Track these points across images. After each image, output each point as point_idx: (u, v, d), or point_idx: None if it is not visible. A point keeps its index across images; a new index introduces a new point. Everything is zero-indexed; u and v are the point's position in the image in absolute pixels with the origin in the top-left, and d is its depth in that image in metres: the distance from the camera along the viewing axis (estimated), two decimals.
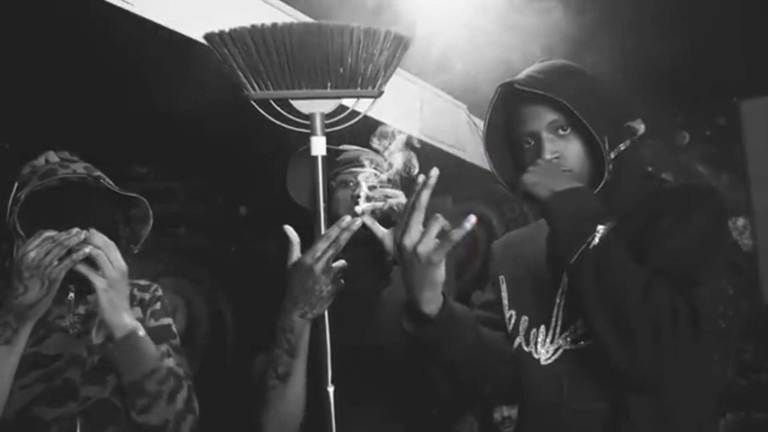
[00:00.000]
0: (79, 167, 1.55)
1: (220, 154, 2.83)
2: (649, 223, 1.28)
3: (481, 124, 2.90)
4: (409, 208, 1.20)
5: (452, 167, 3.13)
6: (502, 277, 1.50)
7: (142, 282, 1.66)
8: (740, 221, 3.36)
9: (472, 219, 1.16)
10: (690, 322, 1.15)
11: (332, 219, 1.33)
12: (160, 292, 1.65)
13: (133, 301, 1.58)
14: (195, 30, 1.82)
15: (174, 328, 1.62)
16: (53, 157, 1.58)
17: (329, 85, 1.25)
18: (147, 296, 1.62)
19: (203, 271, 3.29)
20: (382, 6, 2.05)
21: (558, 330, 1.34)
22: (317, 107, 1.27)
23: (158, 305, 1.61)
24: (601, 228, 1.20)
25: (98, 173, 1.56)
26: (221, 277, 3.35)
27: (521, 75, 1.36)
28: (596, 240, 1.19)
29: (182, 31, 1.81)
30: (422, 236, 1.18)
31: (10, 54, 1.91)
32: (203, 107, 2.19)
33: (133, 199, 1.59)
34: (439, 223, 1.18)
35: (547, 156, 1.31)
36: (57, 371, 1.43)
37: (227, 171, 3.12)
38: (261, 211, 3.43)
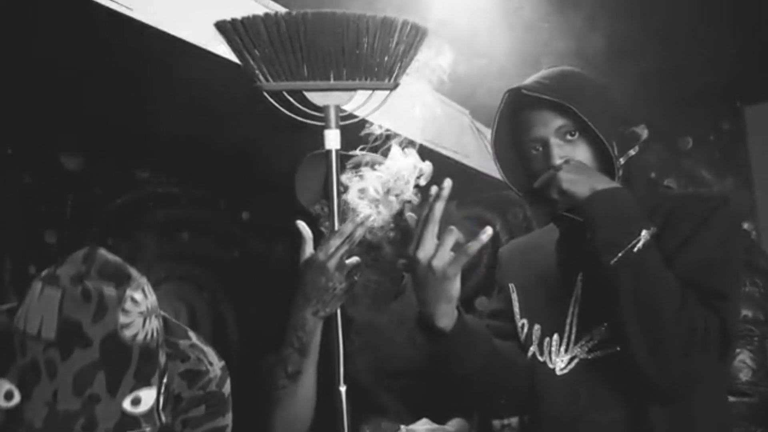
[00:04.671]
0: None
1: (222, 158, 2.81)
2: (666, 233, 1.25)
3: (483, 129, 2.90)
4: (423, 221, 1.17)
5: (456, 173, 3.12)
6: (512, 285, 1.48)
7: (208, 351, 1.15)
8: (745, 226, 3.34)
9: (489, 231, 1.15)
10: (720, 334, 1.14)
11: (341, 222, 1.29)
12: (219, 371, 1.15)
13: (179, 365, 1.09)
14: (196, 32, 1.79)
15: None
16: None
17: (344, 76, 1.22)
18: (201, 380, 1.11)
19: (206, 276, 3.25)
20: None
21: (572, 339, 1.31)
22: (332, 99, 1.24)
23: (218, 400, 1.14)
24: (645, 232, 1.17)
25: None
26: (224, 282, 3.32)
27: (528, 81, 1.35)
28: (641, 244, 1.16)
29: (182, 34, 1.79)
30: (437, 249, 1.16)
31: (10, 57, 1.89)
32: (205, 111, 2.17)
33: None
34: (454, 235, 1.16)
35: (557, 161, 1.28)
36: None
37: (229, 175, 3.10)
38: (264, 216, 3.41)
